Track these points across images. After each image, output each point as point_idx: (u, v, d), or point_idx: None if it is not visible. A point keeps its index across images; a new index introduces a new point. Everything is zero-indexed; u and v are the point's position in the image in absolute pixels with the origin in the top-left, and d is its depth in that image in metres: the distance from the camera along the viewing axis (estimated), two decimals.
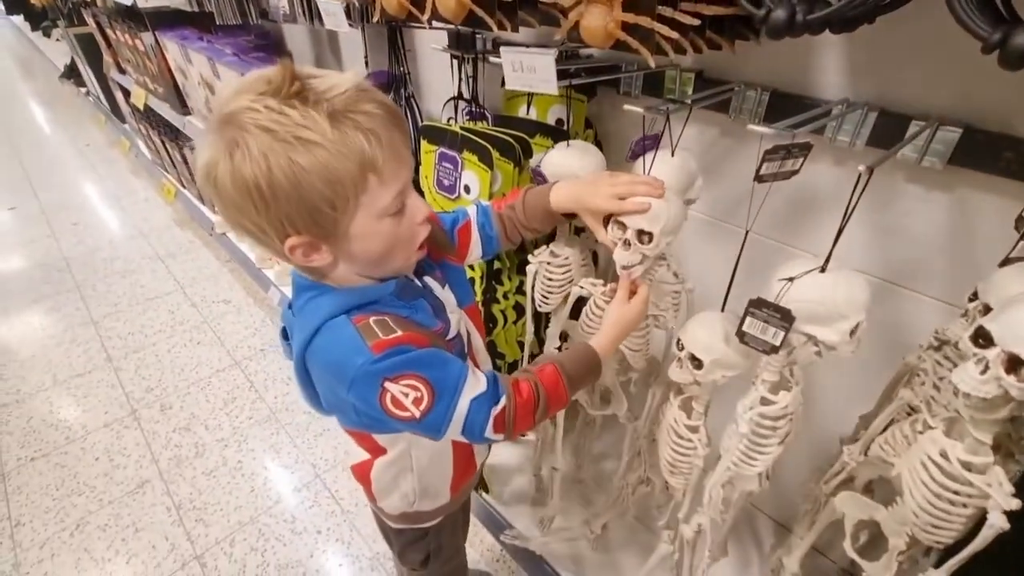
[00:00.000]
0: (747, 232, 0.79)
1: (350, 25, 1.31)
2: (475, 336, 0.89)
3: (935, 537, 0.66)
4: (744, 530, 1.45)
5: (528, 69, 0.79)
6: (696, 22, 0.72)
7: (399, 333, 0.65)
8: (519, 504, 1.52)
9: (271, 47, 2.38)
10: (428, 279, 0.79)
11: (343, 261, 0.67)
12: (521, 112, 1.24)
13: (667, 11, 0.73)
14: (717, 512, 0.93)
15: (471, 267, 1.27)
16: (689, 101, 0.86)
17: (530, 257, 1.04)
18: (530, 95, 1.23)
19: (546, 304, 1.06)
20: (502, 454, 1.63)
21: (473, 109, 1.25)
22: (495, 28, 0.89)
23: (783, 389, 0.77)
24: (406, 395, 0.65)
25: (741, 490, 0.91)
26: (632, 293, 0.86)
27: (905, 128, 0.82)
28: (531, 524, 1.45)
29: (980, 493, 0.61)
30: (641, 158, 0.88)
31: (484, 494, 1.50)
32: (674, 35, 0.71)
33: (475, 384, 0.71)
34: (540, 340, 1.25)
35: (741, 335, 0.72)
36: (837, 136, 0.91)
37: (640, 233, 0.79)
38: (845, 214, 0.62)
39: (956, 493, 0.62)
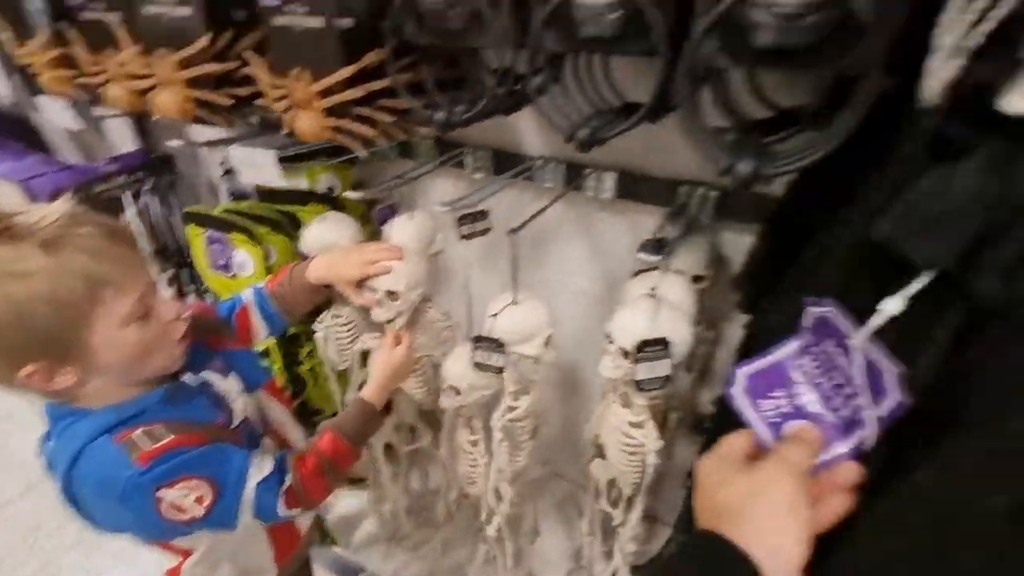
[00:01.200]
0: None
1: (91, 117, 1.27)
2: (275, 411, 0.94)
3: (630, 479, 0.90)
4: (569, 505, 1.68)
5: (254, 164, 0.88)
6: (390, 118, 0.88)
7: (169, 438, 0.68)
8: (369, 546, 1.57)
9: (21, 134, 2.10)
10: (207, 372, 0.82)
11: (94, 376, 0.68)
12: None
13: (365, 111, 0.87)
14: (512, 506, 1.10)
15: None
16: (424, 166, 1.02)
17: (315, 325, 1.13)
18: (295, 165, 1.31)
19: (340, 364, 1.15)
20: (344, 504, 1.67)
21: (235, 191, 1.30)
22: (224, 125, 0.97)
23: (523, 395, 0.96)
24: (186, 496, 0.69)
25: (525, 480, 1.10)
26: (399, 341, 0.99)
27: (580, 173, 1.09)
28: (382, 561, 1.52)
29: (642, 443, 0.85)
30: (387, 224, 1.02)
31: (333, 547, 1.53)
32: (370, 132, 0.86)
33: (260, 469, 0.76)
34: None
35: (476, 364, 0.89)
36: (544, 184, 1.15)
37: (388, 293, 0.93)
38: (513, 261, 0.82)
39: (630, 443, 0.86)
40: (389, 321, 0.95)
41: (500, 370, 0.88)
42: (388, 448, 1.30)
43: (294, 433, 0.98)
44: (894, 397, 0.48)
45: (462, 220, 0.85)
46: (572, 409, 1.46)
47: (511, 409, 0.95)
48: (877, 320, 0.47)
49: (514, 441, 0.97)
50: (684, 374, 1.11)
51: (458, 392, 0.96)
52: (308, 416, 1.37)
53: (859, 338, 0.49)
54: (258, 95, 0.92)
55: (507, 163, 1.16)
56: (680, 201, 0.99)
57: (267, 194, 1.26)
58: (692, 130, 0.60)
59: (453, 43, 0.78)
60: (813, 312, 0.55)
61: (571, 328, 1.33)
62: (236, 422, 0.82)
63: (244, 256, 1.18)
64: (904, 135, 0.50)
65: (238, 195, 1.33)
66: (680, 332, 0.75)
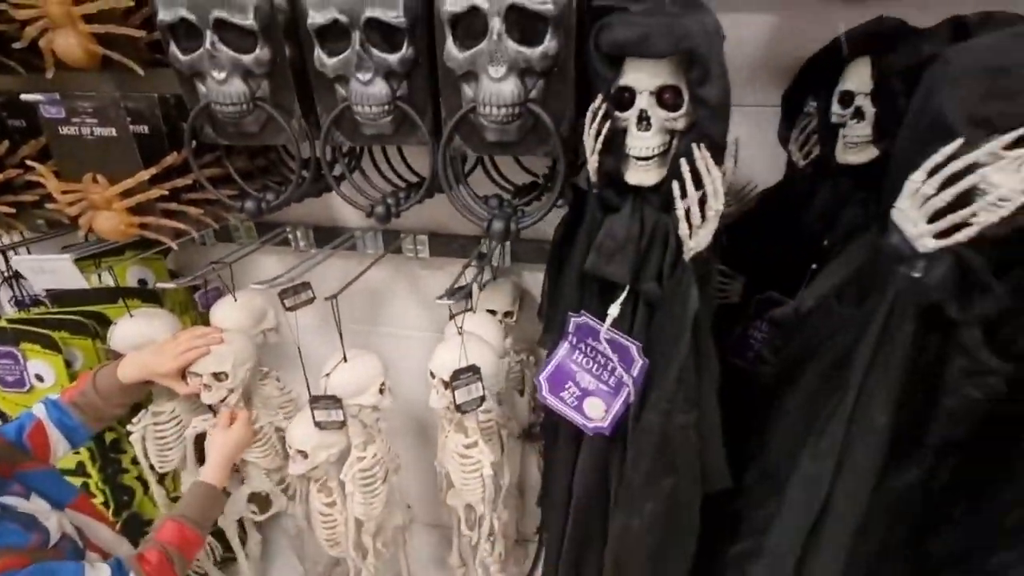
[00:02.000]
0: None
1: None
2: (93, 527, 0.87)
3: (477, 496, 1.02)
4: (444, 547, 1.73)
5: (50, 271, 0.86)
6: (198, 210, 0.94)
7: None
8: None
9: None
10: (5, 498, 0.76)
11: None
12: (94, 280, 1.24)
13: (172, 205, 0.92)
14: (378, 556, 1.14)
15: (76, 451, 1.19)
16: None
17: (130, 426, 1.07)
18: (97, 262, 1.24)
19: (166, 463, 1.10)
20: None
21: (23, 298, 1.19)
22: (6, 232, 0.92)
23: (370, 444, 1.04)
24: None
25: (391, 526, 1.15)
26: (234, 418, 1.01)
27: (397, 238, 1.24)
28: None
29: (478, 459, 0.98)
30: (213, 307, 1.05)
31: None
32: (179, 225, 0.91)
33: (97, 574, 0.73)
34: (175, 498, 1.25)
35: (317, 424, 0.96)
36: (367, 251, 1.27)
37: (214, 375, 0.95)
38: (337, 323, 0.93)
39: (467, 463, 0.99)
40: (222, 401, 0.96)
41: (342, 424, 0.96)
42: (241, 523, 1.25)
43: (121, 548, 0.91)
44: (639, 363, 0.69)
45: (284, 294, 0.93)
46: (429, 452, 1.55)
47: (360, 459, 1.02)
48: (610, 319, 0.69)
49: (367, 488, 1.03)
50: (515, 395, 1.28)
51: (306, 455, 1.00)
52: (138, 528, 1.25)
53: (604, 331, 0.70)
54: (45, 200, 0.91)
55: (329, 236, 1.27)
56: (481, 252, 1.19)
57: (64, 296, 1.18)
58: (452, 200, 0.79)
59: (250, 143, 0.89)
60: (573, 320, 0.75)
61: (413, 375, 1.44)
62: (54, 540, 0.78)
63: (42, 366, 1.08)
64: (587, 200, 0.74)
65: (28, 302, 1.21)
66: (486, 358, 0.91)
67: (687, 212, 0.54)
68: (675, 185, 0.55)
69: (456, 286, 0.92)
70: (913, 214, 0.51)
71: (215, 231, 1.30)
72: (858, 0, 0.85)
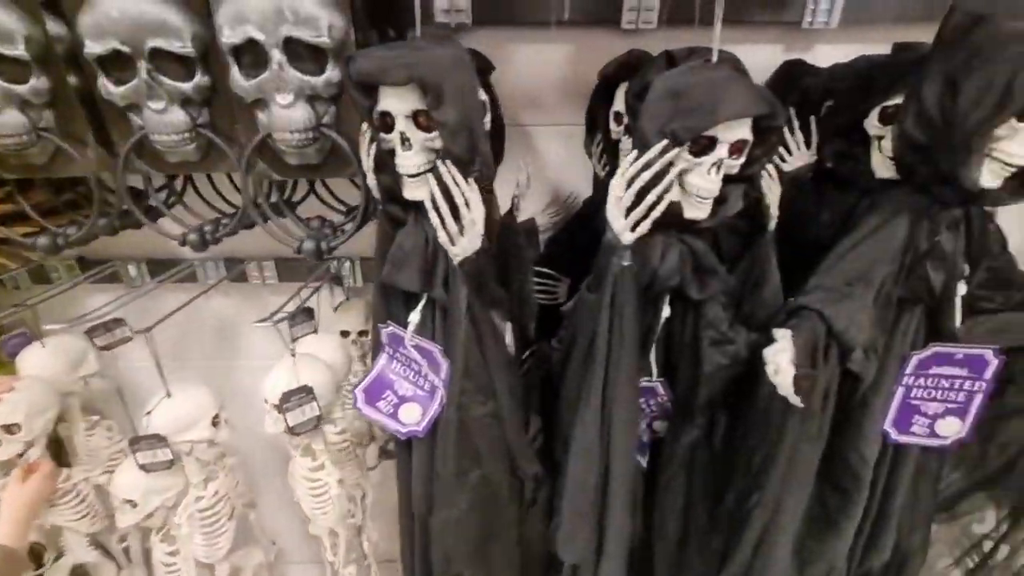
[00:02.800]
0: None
1: None
2: None
3: (326, 522, 1.01)
4: None
5: None
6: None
7: None
8: None
9: None
10: None
11: None
12: None
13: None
14: None
15: None
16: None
17: None
18: None
19: None
20: None
21: None
22: None
23: (211, 480, 1.00)
24: None
25: (251, 566, 1.10)
26: (33, 471, 0.92)
27: (240, 265, 1.21)
28: None
29: (325, 482, 0.98)
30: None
31: None
32: None
33: None
34: None
35: (142, 467, 0.90)
36: (208, 279, 1.22)
37: (5, 427, 0.87)
38: (154, 357, 0.89)
39: (314, 487, 0.98)
40: (19, 455, 0.88)
41: (171, 464, 0.91)
42: None
43: None
44: (443, 365, 0.73)
45: (93, 332, 0.88)
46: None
47: (199, 499, 0.97)
48: (411, 326, 0.73)
49: (209, 528, 0.99)
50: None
51: (134, 504, 0.94)
52: None
53: (408, 337, 0.73)
54: None
55: (165, 268, 1.21)
56: (334, 272, 1.20)
57: None
58: (258, 222, 0.80)
59: (40, 175, 0.84)
60: (383, 331, 0.79)
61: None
62: None
63: None
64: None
65: None
66: (321, 377, 0.92)
67: (443, 222, 0.61)
68: (426, 199, 0.61)
69: (284, 309, 0.92)
70: (615, 212, 0.61)
71: (29, 272, 1.19)
72: (635, 32, 1.00)
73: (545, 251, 1.07)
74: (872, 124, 0.78)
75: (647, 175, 0.58)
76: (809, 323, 0.70)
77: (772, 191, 0.77)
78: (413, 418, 0.75)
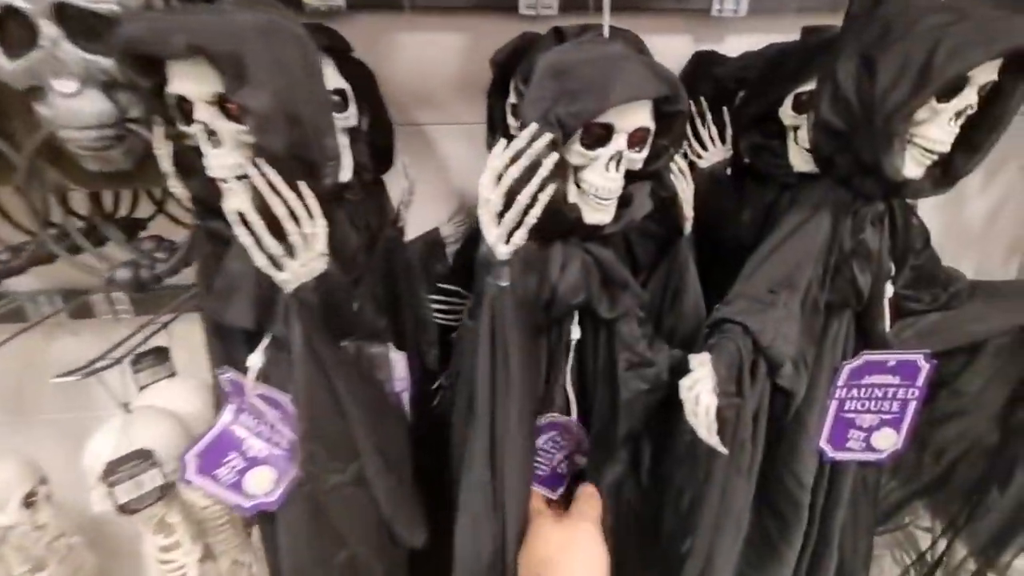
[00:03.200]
0: None
1: None
2: None
3: None
4: None
5: None
6: None
7: None
8: None
9: None
10: None
11: None
12: None
13: None
14: None
15: None
16: None
17: None
18: None
19: None
20: None
21: None
22: None
23: (39, 571, 0.79)
24: None
25: None
26: None
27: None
28: None
29: (182, 563, 0.80)
30: None
31: None
32: None
33: None
34: None
35: None
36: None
37: None
38: None
39: (168, 568, 0.79)
40: None
41: None
42: None
43: None
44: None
45: None
46: None
47: None
48: (251, 372, 0.57)
49: None
50: None
51: None
52: None
53: (249, 387, 0.57)
54: None
55: None
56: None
57: None
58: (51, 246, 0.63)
59: (122, 186, 0.63)
60: (221, 378, 0.62)
61: None
62: None
63: None
64: None
65: None
66: (168, 435, 0.74)
67: (258, 241, 0.46)
68: (234, 212, 0.46)
69: (113, 354, 0.74)
70: (486, 219, 0.49)
71: None
72: (535, 18, 0.89)
73: (452, 265, 0.95)
74: (787, 113, 0.71)
75: (515, 170, 0.47)
76: (731, 341, 0.61)
77: (684, 189, 0.68)
78: (263, 487, 0.59)
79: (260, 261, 0.47)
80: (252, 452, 0.63)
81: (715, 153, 0.81)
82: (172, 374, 0.89)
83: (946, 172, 0.63)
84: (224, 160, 0.47)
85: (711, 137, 0.81)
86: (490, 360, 0.49)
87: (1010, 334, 0.69)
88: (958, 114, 0.56)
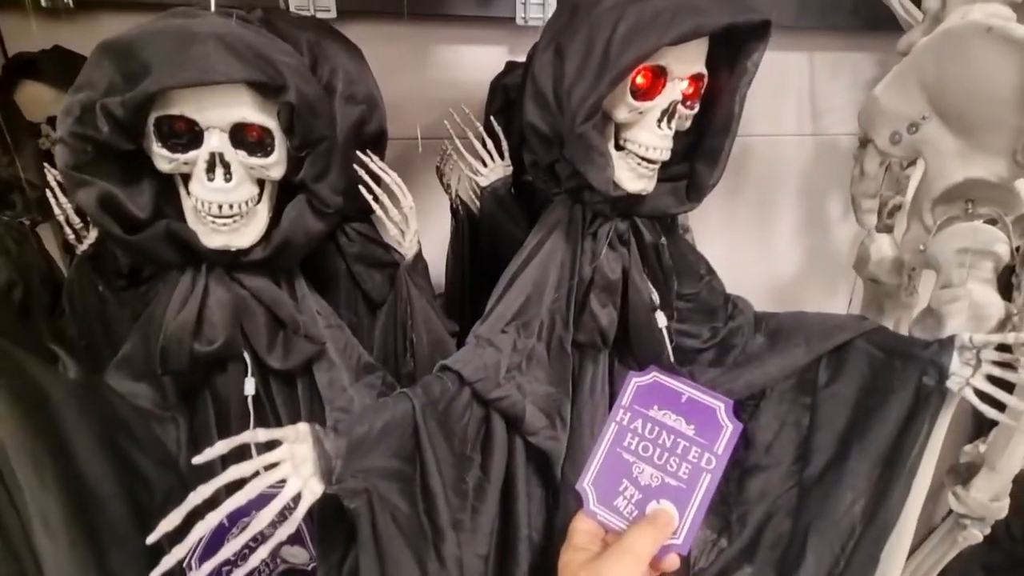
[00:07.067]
0: None
1: None
2: None
3: None
4: None
5: None
6: None
7: None
8: None
9: None
10: None
11: None
12: None
13: None
14: None
15: None
16: None
17: None
18: None
19: None
20: None
21: None
22: None
23: None
24: None
25: None
26: None
27: None
28: None
29: None
30: None
31: None
32: None
33: None
34: None
35: None
36: None
37: None
38: None
39: None
40: None
41: None
42: None
43: None
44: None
45: None
46: None
47: None
48: None
49: None
50: None
51: None
52: None
53: None
54: None
55: None
56: None
57: None
58: None
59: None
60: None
61: None
62: None
63: None
64: None
65: None
66: None
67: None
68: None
69: None
70: None
71: None
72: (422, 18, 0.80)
73: None
74: None
75: None
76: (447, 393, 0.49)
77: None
78: None
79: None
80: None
81: (493, 170, 0.72)
82: None
83: (692, 185, 0.53)
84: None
85: (489, 152, 0.71)
86: None
87: (792, 377, 0.58)
88: (667, 115, 0.46)
